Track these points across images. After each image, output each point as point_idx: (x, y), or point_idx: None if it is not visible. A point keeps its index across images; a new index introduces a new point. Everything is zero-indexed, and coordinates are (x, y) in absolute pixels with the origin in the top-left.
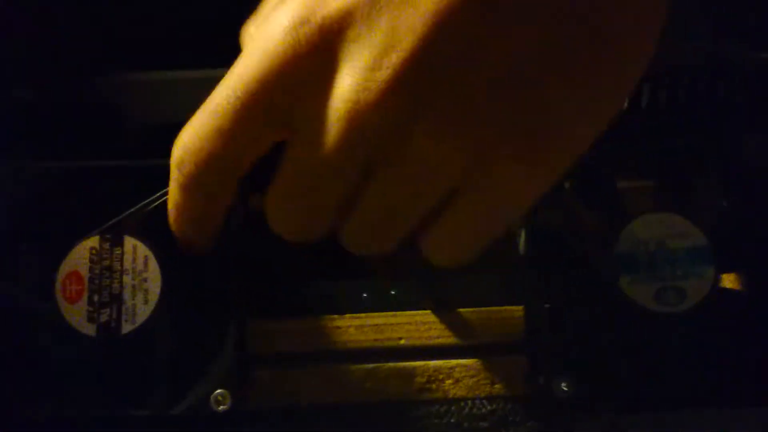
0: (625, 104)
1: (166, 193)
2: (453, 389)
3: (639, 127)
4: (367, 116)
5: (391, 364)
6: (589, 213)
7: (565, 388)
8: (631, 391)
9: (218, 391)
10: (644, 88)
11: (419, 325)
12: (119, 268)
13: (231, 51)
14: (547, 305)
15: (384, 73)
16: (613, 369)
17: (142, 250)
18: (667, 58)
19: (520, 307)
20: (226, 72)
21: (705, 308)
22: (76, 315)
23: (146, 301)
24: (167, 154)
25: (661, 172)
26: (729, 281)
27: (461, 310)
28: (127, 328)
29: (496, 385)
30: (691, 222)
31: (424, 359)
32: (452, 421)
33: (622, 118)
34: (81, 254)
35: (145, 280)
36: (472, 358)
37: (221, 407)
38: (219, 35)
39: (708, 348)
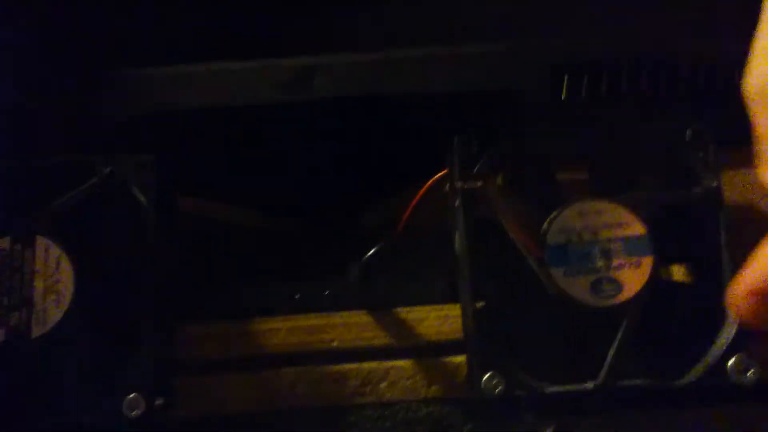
0: (564, 94)
1: (82, 192)
2: (388, 392)
3: (575, 116)
4: None
5: (324, 367)
6: (523, 206)
7: (499, 388)
8: (571, 388)
9: (131, 395)
10: (585, 78)
11: (353, 326)
12: (30, 269)
13: None
14: (481, 303)
15: None
16: (551, 366)
17: (55, 251)
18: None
19: (457, 305)
20: None
21: (643, 300)
22: None
23: (58, 304)
24: (81, 150)
25: (596, 161)
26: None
27: (397, 309)
28: (37, 331)
29: (433, 387)
30: (628, 210)
31: (358, 362)
32: (387, 425)
33: (558, 107)
34: None
35: (58, 281)
36: (409, 359)
37: (135, 412)
38: None
39: (648, 342)
